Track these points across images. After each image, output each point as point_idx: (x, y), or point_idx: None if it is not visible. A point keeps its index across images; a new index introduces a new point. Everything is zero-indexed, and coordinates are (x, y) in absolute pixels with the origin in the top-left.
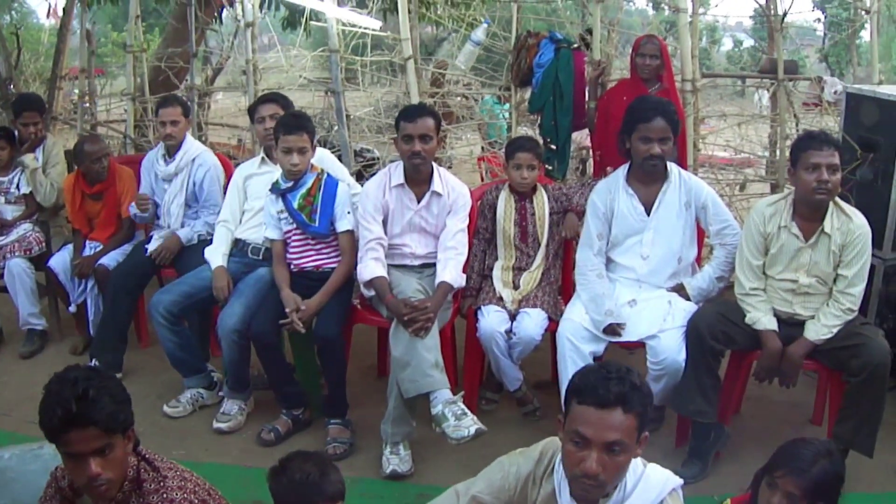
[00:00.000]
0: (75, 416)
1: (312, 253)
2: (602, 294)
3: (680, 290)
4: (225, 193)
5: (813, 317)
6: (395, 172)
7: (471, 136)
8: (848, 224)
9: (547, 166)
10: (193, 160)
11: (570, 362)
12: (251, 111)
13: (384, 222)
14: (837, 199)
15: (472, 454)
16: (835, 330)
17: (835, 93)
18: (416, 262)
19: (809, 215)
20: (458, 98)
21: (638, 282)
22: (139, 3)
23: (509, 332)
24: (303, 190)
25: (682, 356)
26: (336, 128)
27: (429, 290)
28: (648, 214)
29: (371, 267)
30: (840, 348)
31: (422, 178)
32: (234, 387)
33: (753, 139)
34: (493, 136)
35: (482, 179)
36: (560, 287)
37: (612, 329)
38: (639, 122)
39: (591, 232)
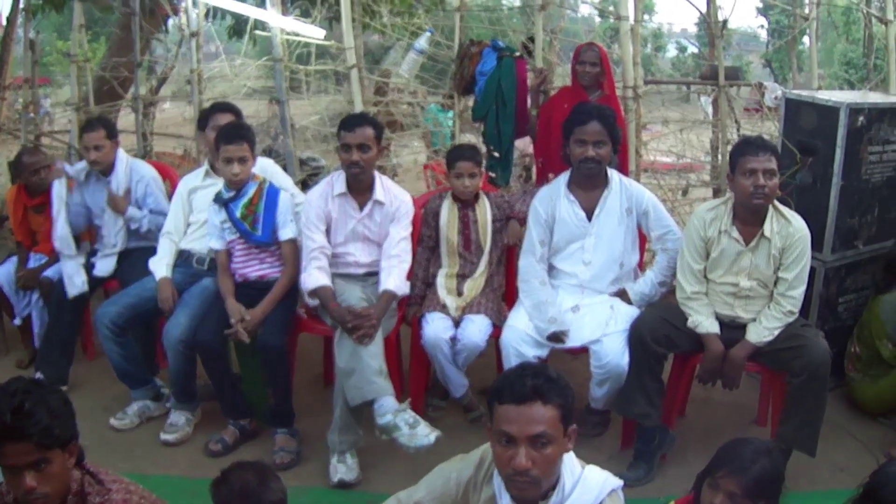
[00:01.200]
0: (9, 428)
1: (256, 262)
2: (545, 301)
3: (622, 294)
4: (170, 202)
5: (754, 319)
6: (337, 181)
7: (416, 145)
8: (787, 227)
9: (490, 174)
10: (131, 175)
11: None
12: (203, 120)
13: (327, 231)
14: (777, 203)
15: (419, 461)
16: (776, 332)
17: (775, 98)
18: (360, 271)
19: (749, 219)
20: (403, 106)
21: (580, 287)
22: (83, 12)
23: (454, 338)
24: (245, 199)
25: (626, 360)
26: (281, 137)
27: (373, 298)
28: (590, 220)
29: (315, 276)
30: (782, 350)
31: (363, 187)
32: (181, 398)
33: (696, 145)
34: (438, 144)
35: (428, 187)
36: (503, 293)
37: (556, 336)
38: (575, 126)
39: (534, 238)
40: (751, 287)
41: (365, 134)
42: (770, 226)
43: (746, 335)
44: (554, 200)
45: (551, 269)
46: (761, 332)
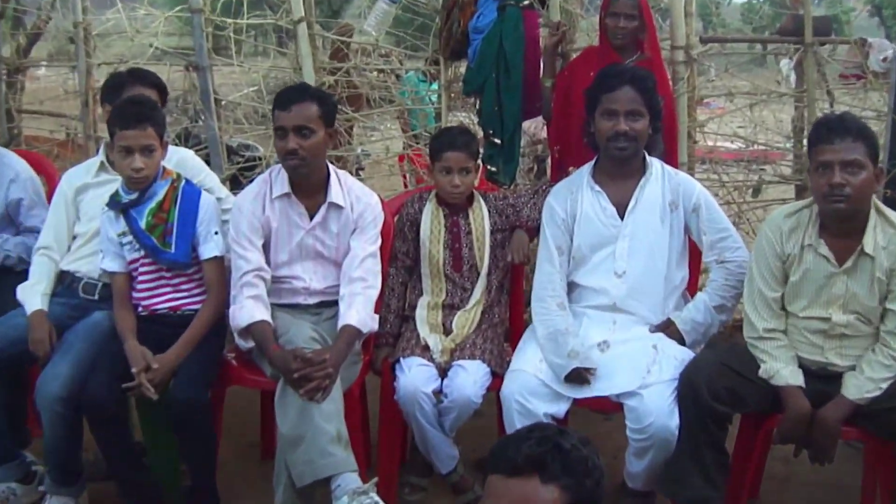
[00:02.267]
0: None
1: (168, 290)
2: (564, 330)
3: (668, 327)
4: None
5: (853, 367)
6: (277, 179)
7: (389, 127)
8: None
9: (489, 167)
10: None
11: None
12: (111, 90)
13: (265, 247)
14: (882, 207)
15: None
16: (884, 385)
17: (883, 60)
18: (311, 300)
19: (842, 230)
20: (371, 75)
21: (613, 311)
22: None
23: (439, 392)
24: (152, 204)
25: (675, 422)
26: (202, 117)
27: (328, 337)
28: (622, 218)
29: (248, 308)
30: (892, 410)
31: (313, 186)
32: (60, 478)
33: (773, 125)
34: (418, 128)
35: (405, 186)
36: (507, 330)
37: (579, 375)
38: (602, 93)
39: (549, 244)
40: (847, 323)
41: (306, 113)
42: (872, 238)
43: (843, 390)
44: (575, 194)
45: (572, 290)
46: (864, 385)
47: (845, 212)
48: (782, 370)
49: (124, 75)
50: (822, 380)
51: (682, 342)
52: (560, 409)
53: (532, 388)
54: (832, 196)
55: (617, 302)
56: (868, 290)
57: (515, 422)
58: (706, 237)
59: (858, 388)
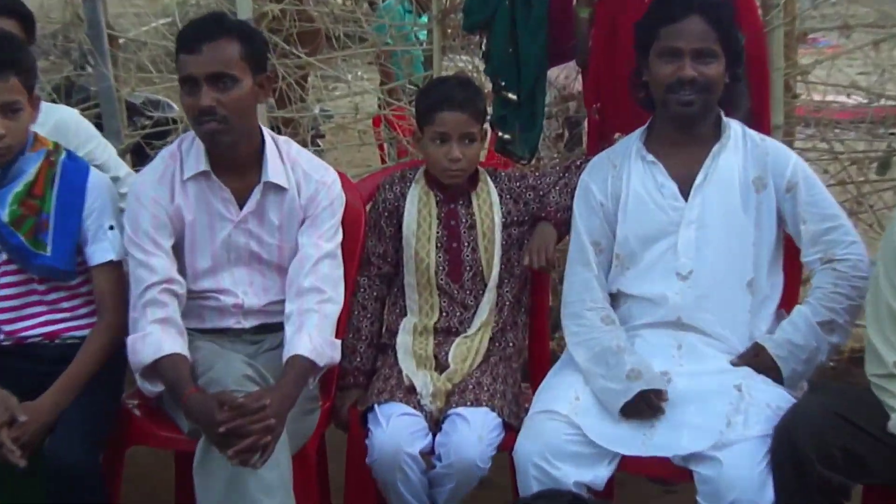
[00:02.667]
0: None
1: (41, 309)
2: (616, 348)
3: (756, 356)
4: None
5: None
6: (189, 152)
7: (360, 76)
8: None
9: (501, 135)
10: None
11: None
12: None
13: (178, 250)
14: None
15: None
16: None
17: None
18: (247, 323)
19: None
20: (336, 1)
21: (676, 328)
22: None
23: (430, 454)
24: (19, 187)
25: (768, 498)
26: (92, 62)
27: (269, 375)
28: (687, 199)
29: (155, 337)
30: None
31: (241, 161)
32: None
33: None
34: (402, 77)
35: (383, 160)
36: (525, 364)
37: (647, 402)
38: (660, 26)
39: (583, 239)
40: None
41: (223, 54)
42: None
43: None
44: (619, 168)
45: (616, 303)
46: None
47: None
48: None
49: None
50: None
51: (776, 377)
52: (599, 475)
53: (558, 444)
54: None
55: (682, 315)
56: None
57: (534, 491)
58: (806, 227)
59: None
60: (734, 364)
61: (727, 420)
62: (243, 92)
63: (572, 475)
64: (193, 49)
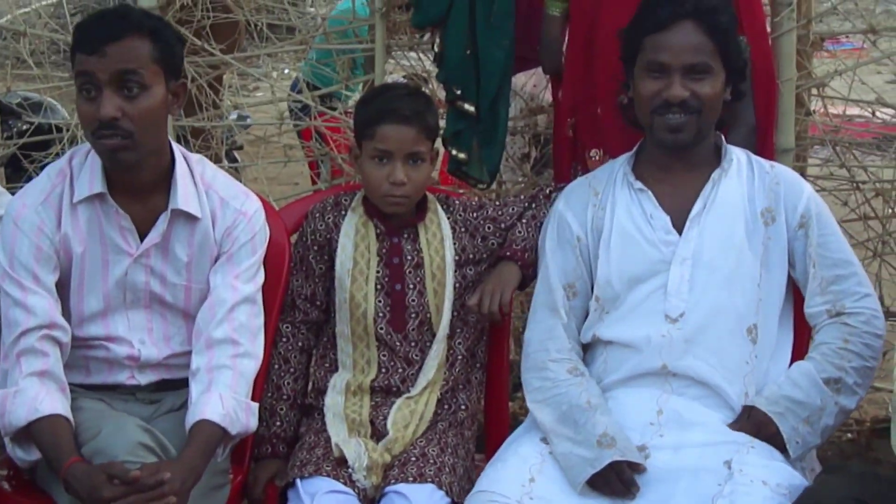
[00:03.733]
0: None
1: None
2: (587, 404)
3: (748, 420)
4: None
5: None
6: (82, 169)
7: (287, 76)
8: None
9: (454, 153)
10: None
11: None
12: None
13: (62, 287)
14: None
15: None
16: None
17: None
18: (144, 379)
19: None
20: None
21: (660, 380)
22: None
23: None
24: None
25: None
26: None
27: (170, 444)
28: (681, 232)
29: (30, 395)
30: None
31: (146, 182)
32: None
33: None
34: (337, 81)
35: (313, 181)
36: (481, 429)
37: (620, 476)
38: (645, 35)
39: (552, 279)
40: None
41: (131, 55)
42: None
43: None
44: (602, 195)
45: (591, 352)
46: None
47: None
48: None
49: None
50: None
51: (775, 440)
52: None
53: None
54: None
55: (668, 363)
56: None
57: None
58: (815, 271)
59: None
60: (734, 428)
61: (712, 499)
62: (154, 101)
63: None
64: (95, 49)
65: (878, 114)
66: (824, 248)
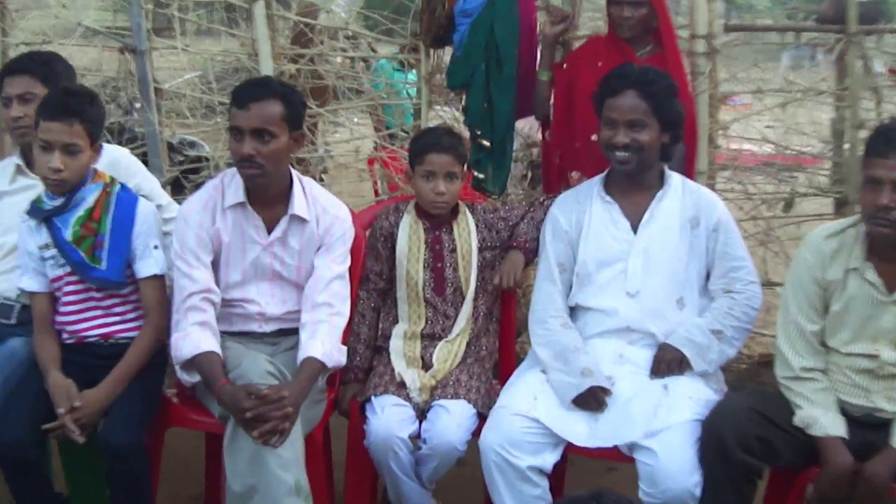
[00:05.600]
0: None
1: (98, 313)
2: (574, 347)
3: (662, 352)
4: None
5: None
6: (230, 185)
7: (358, 123)
8: None
9: (477, 174)
10: None
11: (504, 487)
12: None
13: (214, 265)
14: None
15: None
16: None
17: None
18: (268, 328)
19: (892, 254)
20: (338, 61)
21: (623, 334)
22: None
23: (417, 437)
24: (80, 212)
25: (696, 479)
26: (139, 107)
27: (287, 371)
28: (636, 233)
29: (194, 337)
30: None
31: (273, 196)
32: None
33: (808, 128)
34: (394, 125)
35: (377, 194)
36: (497, 364)
37: (594, 396)
38: (604, 98)
39: (551, 260)
40: None
41: (267, 113)
42: None
43: (892, 440)
44: (583, 203)
45: (575, 316)
46: None
47: (889, 238)
48: (821, 418)
49: (4, 69)
50: (868, 428)
51: (682, 364)
52: (546, 461)
53: (516, 436)
54: (876, 218)
55: (631, 324)
56: None
57: (496, 477)
58: (719, 262)
59: None
60: (655, 367)
61: (654, 412)
62: (280, 146)
63: (526, 461)
64: (243, 105)
65: (762, 147)
66: (727, 248)
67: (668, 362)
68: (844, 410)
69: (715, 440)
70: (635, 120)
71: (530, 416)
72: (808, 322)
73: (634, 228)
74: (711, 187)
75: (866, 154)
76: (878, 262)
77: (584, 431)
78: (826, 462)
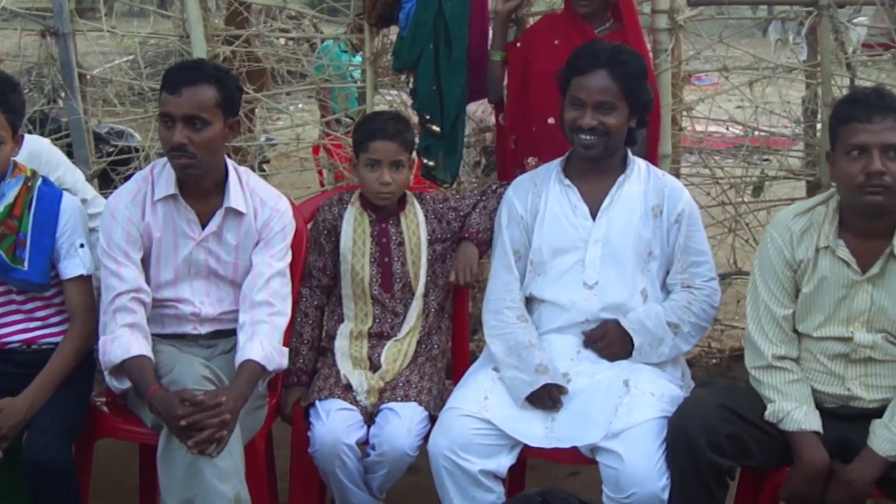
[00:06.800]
0: None
1: (19, 318)
2: (528, 343)
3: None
4: None
5: (883, 404)
6: (161, 176)
7: (303, 109)
8: None
9: (425, 161)
10: None
11: (455, 493)
12: None
13: (145, 262)
14: None
15: None
16: None
17: None
18: (203, 330)
19: (866, 229)
20: (279, 43)
21: (583, 326)
22: None
23: (365, 443)
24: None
25: (663, 483)
26: (63, 95)
27: (224, 376)
28: (594, 219)
29: (123, 340)
30: None
31: (207, 187)
32: None
33: (779, 107)
34: (338, 111)
35: (322, 185)
36: (449, 364)
37: (549, 395)
38: (572, 77)
39: (507, 247)
40: (873, 344)
41: (200, 99)
42: None
43: (871, 441)
44: (539, 187)
45: (530, 308)
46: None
47: (882, 206)
48: (794, 412)
49: None
50: (844, 421)
51: (625, 348)
52: (501, 464)
53: (466, 438)
54: (869, 186)
55: (589, 317)
56: None
57: (447, 483)
58: (680, 255)
59: (892, 441)
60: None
61: (615, 411)
62: (214, 134)
63: (478, 464)
64: (174, 90)
65: (730, 129)
66: (689, 241)
67: (608, 344)
68: (819, 403)
69: (683, 440)
70: (604, 102)
71: (481, 417)
72: (778, 306)
73: (594, 215)
74: (676, 172)
75: (843, 121)
76: (851, 238)
77: (539, 432)
78: (799, 459)
